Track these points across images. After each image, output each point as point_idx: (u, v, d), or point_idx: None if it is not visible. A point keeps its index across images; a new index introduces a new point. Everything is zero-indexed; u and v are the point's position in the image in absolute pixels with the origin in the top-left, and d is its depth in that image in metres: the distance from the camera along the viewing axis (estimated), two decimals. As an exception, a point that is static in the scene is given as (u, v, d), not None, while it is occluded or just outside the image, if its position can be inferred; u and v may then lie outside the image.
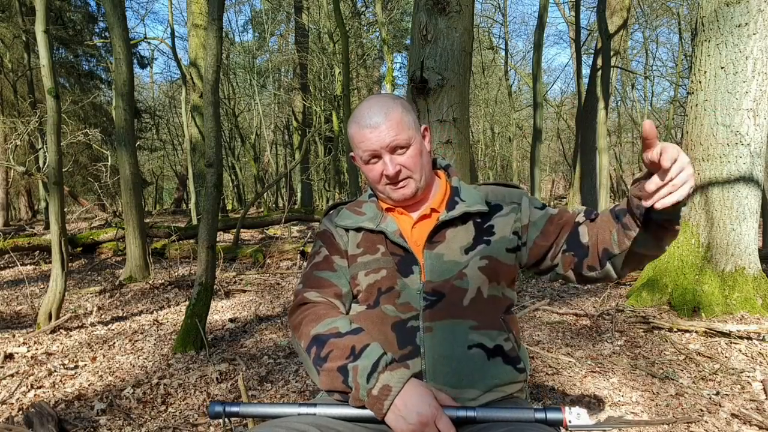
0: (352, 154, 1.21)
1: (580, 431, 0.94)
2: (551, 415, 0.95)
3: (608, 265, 1.08)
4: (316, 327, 1.10)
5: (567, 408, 0.96)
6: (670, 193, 0.85)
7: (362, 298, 1.15)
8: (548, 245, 1.16)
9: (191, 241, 7.88)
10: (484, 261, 1.11)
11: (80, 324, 4.13)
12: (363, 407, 1.00)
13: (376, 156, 1.13)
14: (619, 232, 1.05)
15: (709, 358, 2.97)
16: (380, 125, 1.11)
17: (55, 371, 3.02)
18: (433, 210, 1.19)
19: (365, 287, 1.14)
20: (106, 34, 14.73)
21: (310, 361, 1.08)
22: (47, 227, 10.12)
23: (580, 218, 1.15)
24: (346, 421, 1.02)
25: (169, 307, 4.71)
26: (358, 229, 1.19)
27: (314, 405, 1.02)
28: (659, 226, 0.98)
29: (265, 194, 18.05)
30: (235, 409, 1.03)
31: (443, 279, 1.10)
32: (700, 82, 3.90)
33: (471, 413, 0.97)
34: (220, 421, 1.05)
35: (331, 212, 1.28)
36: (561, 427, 0.96)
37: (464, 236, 1.15)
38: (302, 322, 1.13)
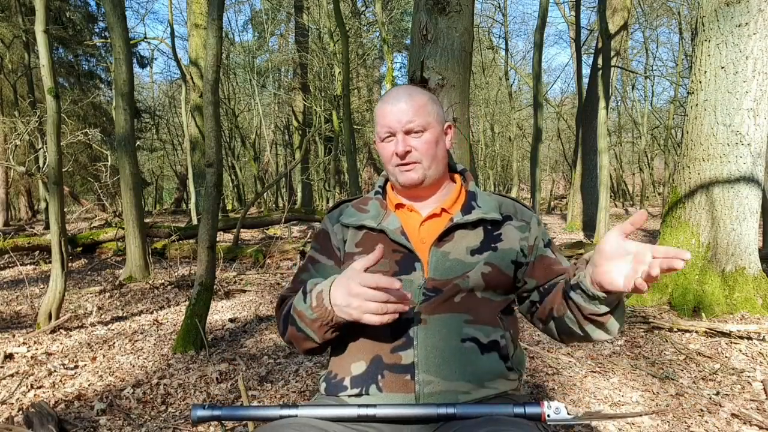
0: (374, 138, 1.26)
1: (560, 425, 0.95)
2: (530, 410, 0.97)
3: (551, 324, 1.12)
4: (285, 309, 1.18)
5: (546, 402, 0.97)
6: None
7: None
8: (533, 280, 1.20)
9: (191, 241, 7.87)
10: (487, 267, 1.12)
11: (80, 324, 4.12)
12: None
13: (392, 134, 1.17)
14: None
15: (710, 358, 2.97)
16: (401, 104, 1.15)
17: (55, 371, 3.02)
18: (443, 210, 1.20)
19: None
20: (106, 34, 14.73)
21: (289, 334, 1.14)
22: (47, 227, 10.12)
23: (561, 278, 1.18)
24: (330, 421, 1.01)
25: (169, 307, 4.70)
26: (359, 228, 1.20)
27: (296, 406, 1.02)
28: (583, 315, 1.01)
29: (265, 194, 18.05)
30: (217, 413, 1.02)
31: (446, 277, 1.11)
32: (700, 82, 3.90)
33: (451, 410, 0.98)
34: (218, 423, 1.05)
35: (333, 210, 1.29)
36: (540, 422, 0.97)
37: (473, 238, 1.16)
38: (279, 315, 1.20)
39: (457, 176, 1.29)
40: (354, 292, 0.97)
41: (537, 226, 1.21)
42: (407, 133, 1.15)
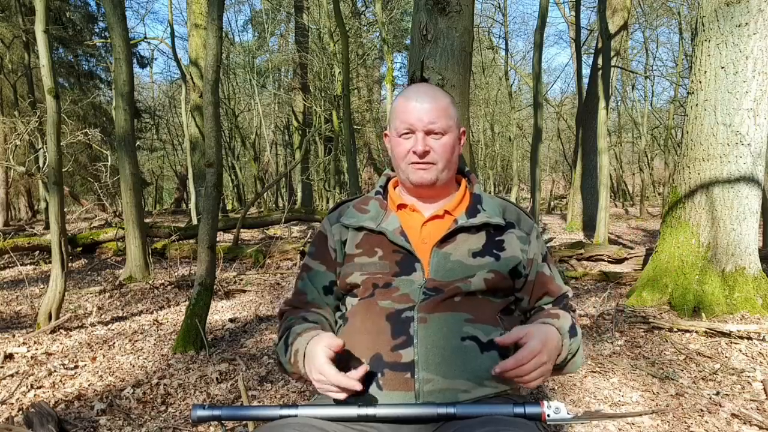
0: (385, 132, 1.26)
1: (559, 425, 0.95)
2: (530, 410, 0.97)
3: None
4: (282, 329, 1.22)
5: (546, 402, 0.98)
6: (519, 377, 1.00)
7: (359, 292, 1.17)
8: (526, 297, 1.22)
9: (191, 241, 7.87)
10: (490, 274, 1.13)
11: (80, 324, 4.12)
12: (348, 407, 1.05)
13: (411, 131, 1.17)
14: None
15: (710, 358, 2.97)
16: (426, 103, 1.16)
17: (55, 371, 3.02)
18: (446, 212, 1.20)
19: (361, 282, 1.15)
20: (106, 34, 14.72)
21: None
22: (47, 227, 10.11)
23: (546, 301, 1.22)
24: (329, 421, 1.02)
25: (169, 307, 4.70)
26: (359, 229, 1.20)
27: (296, 406, 1.03)
28: None
29: (265, 194, 18.05)
30: (217, 412, 1.02)
31: (447, 279, 1.12)
32: (700, 82, 3.90)
33: (451, 410, 0.98)
34: (216, 423, 1.06)
35: (334, 211, 1.30)
36: (540, 421, 0.98)
37: (475, 241, 1.17)
38: (279, 328, 1.25)
39: (462, 179, 1.30)
40: (315, 377, 1.03)
41: (536, 240, 1.22)
42: (428, 133, 1.16)
